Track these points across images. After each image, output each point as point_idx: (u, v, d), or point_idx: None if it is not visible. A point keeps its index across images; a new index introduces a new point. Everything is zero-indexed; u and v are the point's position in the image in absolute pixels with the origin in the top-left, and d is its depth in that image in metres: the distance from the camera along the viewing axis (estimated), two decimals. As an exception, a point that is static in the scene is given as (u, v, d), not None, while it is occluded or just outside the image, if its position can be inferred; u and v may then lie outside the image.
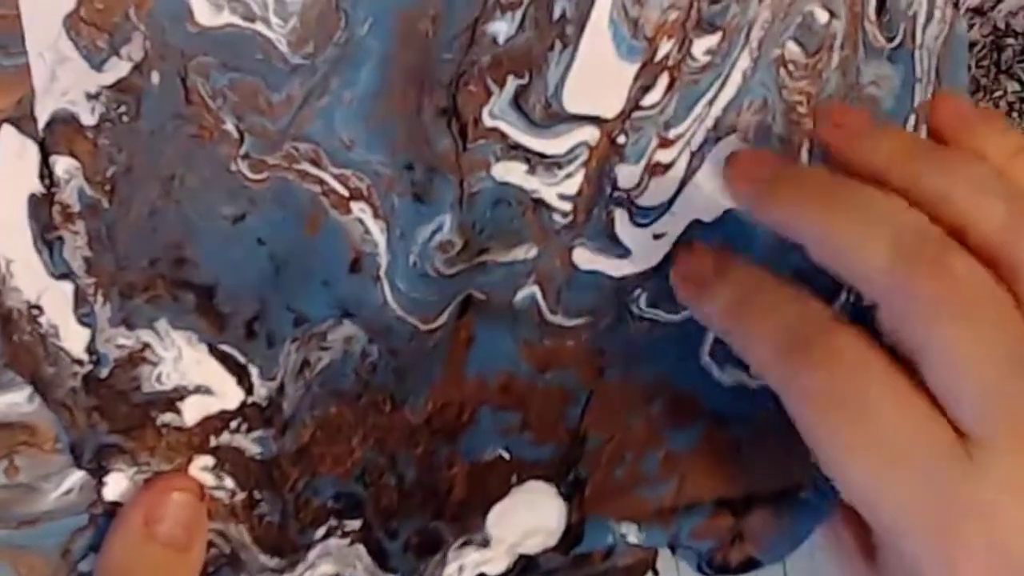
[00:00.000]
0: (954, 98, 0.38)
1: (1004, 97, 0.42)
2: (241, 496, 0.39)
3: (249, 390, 0.38)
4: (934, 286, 0.32)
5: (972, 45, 0.42)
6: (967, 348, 0.32)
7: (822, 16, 0.40)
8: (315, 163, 0.37)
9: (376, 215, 0.37)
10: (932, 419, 0.33)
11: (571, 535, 0.41)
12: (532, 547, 0.41)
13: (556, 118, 0.38)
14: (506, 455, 0.40)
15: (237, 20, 0.36)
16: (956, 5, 0.41)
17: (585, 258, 0.39)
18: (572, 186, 0.38)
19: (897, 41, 0.41)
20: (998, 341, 0.32)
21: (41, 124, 0.35)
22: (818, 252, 0.35)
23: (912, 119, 0.41)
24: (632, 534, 0.41)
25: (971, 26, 0.42)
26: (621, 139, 0.38)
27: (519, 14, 0.37)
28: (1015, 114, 0.43)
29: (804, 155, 0.40)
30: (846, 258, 0.34)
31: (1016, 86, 0.41)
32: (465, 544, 0.40)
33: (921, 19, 0.41)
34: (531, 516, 0.40)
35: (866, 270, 0.33)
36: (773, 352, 0.35)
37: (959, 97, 0.39)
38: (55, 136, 0.35)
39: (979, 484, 0.32)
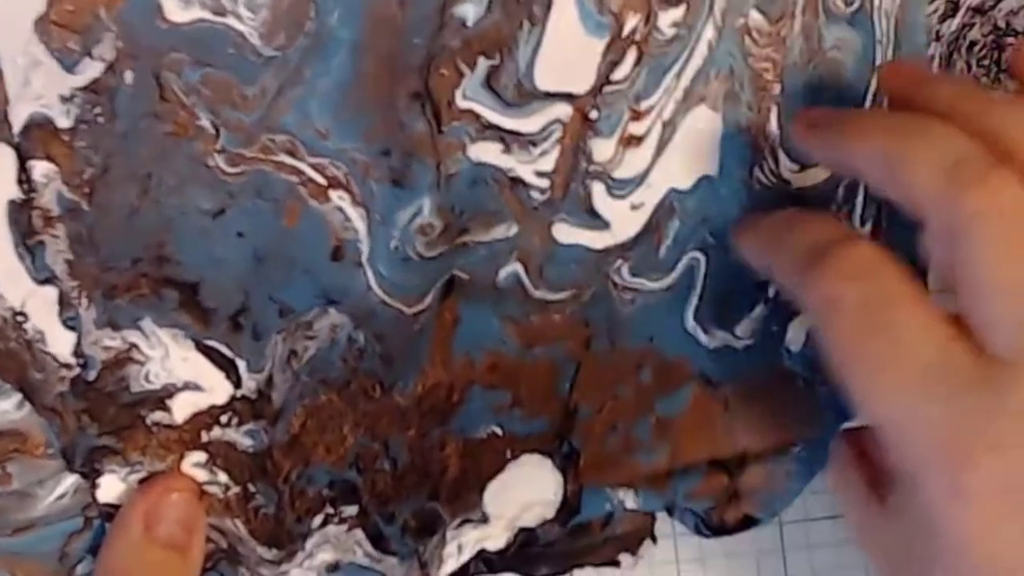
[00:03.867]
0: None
1: (1005, 96, 0.43)
2: (235, 490, 0.39)
3: (237, 384, 0.38)
4: (978, 201, 0.33)
5: (972, 45, 0.43)
6: (1005, 267, 0.32)
7: (782, -17, 0.41)
8: (291, 154, 0.37)
9: (355, 202, 0.38)
10: (957, 341, 0.33)
11: (569, 505, 0.41)
12: (530, 520, 0.41)
13: (528, 97, 0.38)
14: (499, 431, 0.40)
15: (207, 15, 0.36)
16: (956, 7, 0.41)
17: (565, 233, 0.40)
18: (548, 163, 0.39)
19: (856, 5, 0.41)
20: None
21: (16, 129, 0.35)
22: (873, 177, 0.36)
23: (874, 80, 0.42)
24: (630, 500, 0.42)
25: (971, 25, 0.43)
26: (594, 114, 0.39)
27: (486, -4, 0.37)
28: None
29: (773, 121, 0.40)
30: (897, 178, 0.34)
31: (1016, 85, 0.41)
32: (463, 523, 0.40)
33: (878, -18, 0.42)
34: (528, 490, 0.41)
35: (915, 187, 0.34)
36: (795, 267, 0.36)
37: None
38: (31, 141, 0.35)
39: (998, 412, 0.32)
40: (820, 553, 0.46)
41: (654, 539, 0.43)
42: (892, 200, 0.35)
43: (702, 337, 0.42)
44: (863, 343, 0.34)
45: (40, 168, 0.35)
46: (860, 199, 0.43)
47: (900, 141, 0.35)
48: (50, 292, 0.36)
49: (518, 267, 0.39)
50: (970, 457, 0.32)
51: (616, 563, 0.43)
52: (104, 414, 0.37)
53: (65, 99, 0.35)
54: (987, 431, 0.32)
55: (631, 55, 0.39)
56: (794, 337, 0.42)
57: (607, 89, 0.39)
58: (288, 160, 0.37)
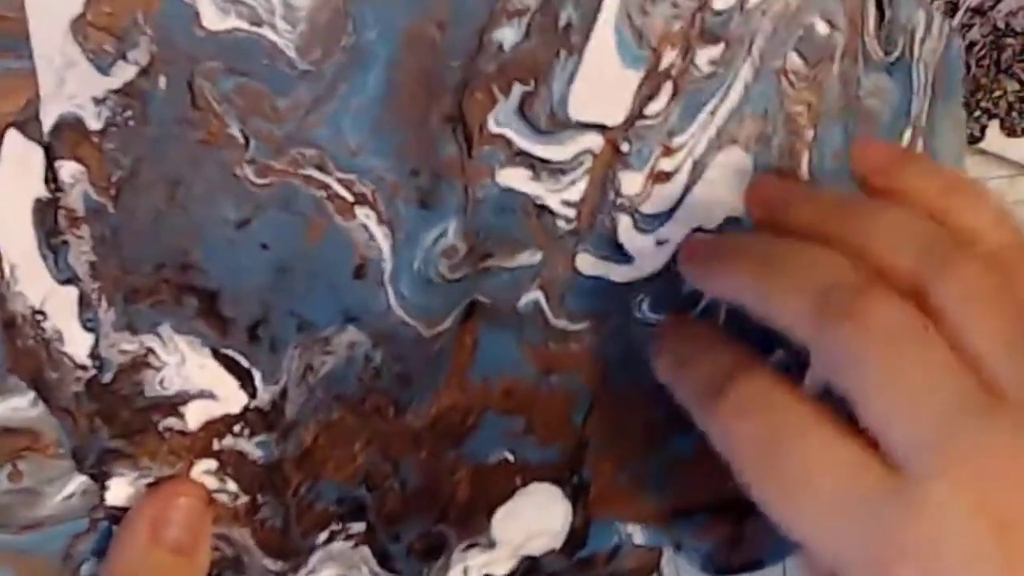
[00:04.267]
0: (876, 143, 0.40)
1: (1004, 97, 0.42)
2: (244, 500, 0.39)
3: (252, 394, 0.38)
4: (854, 332, 0.33)
5: (972, 45, 0.43)
6: (890, 391, 0.33)
7: (823, 28, 0.40)
8: (320, 168, 0.37)
9: (380, 220, 0.37)
10: (863, 459, 0.33)
11: (575, 537, 0.41)
12: (537, 549, 0.41)
13: (561, 125, 0.38)
14: (511, 458, 0.40)
15: (244, 24, 0.35)
16: (955, 8, 0.41)
17: (588, 264, 0.40)
18: (576, 192, 0.39)
19: (896, 55, 0.41)
20: (923, 378, 0.33)
21: (47, 128, 0.35)
22: (753, 311, 0.36)
23: (909, 132, 0.42)
24: (637, 534, 0.42)
25: (971, 26, 0.42)
26: (625, 147, 0.39)
27: (525, 22, 0.37)
28: (1015, 114, 0.44)
29: (804, 166, 0.40)
30: (774, 313, 0.35)
31: (1016, 86, 0.41)
32: (470, 547, 0.40)
33: (919, 34, 0.42)
34: (536, 518, 0.41)
35: (791, 323, 0.34)
36: (695, 400, 0.37)
37: (880, 143, 0.40)
38: (61, 140, 0.35)
39: (915, 523, 0.32)
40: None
41: (660, 575, 0.43)
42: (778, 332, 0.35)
43: (719, 378, 0.42)
44: (767, 477, 0.34)
45: (68, 168, 0.35)
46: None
47: (768, 273, 0.35)
48: (71, 292, 0.36)
49: (539, 295, 0.39)
50: (888, 569, 0.32)
51: (619, 597, 0.43)
52: (117, 417, 0.37)
53: (98, 101, 0.35)
54: (901, 542, 0.32)
55: (666, 90, 0.39)
56: (810, 384, 0.42)
57: (640, 123, 0.39)
58: (316, 174, 0.37)
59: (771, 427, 0.34)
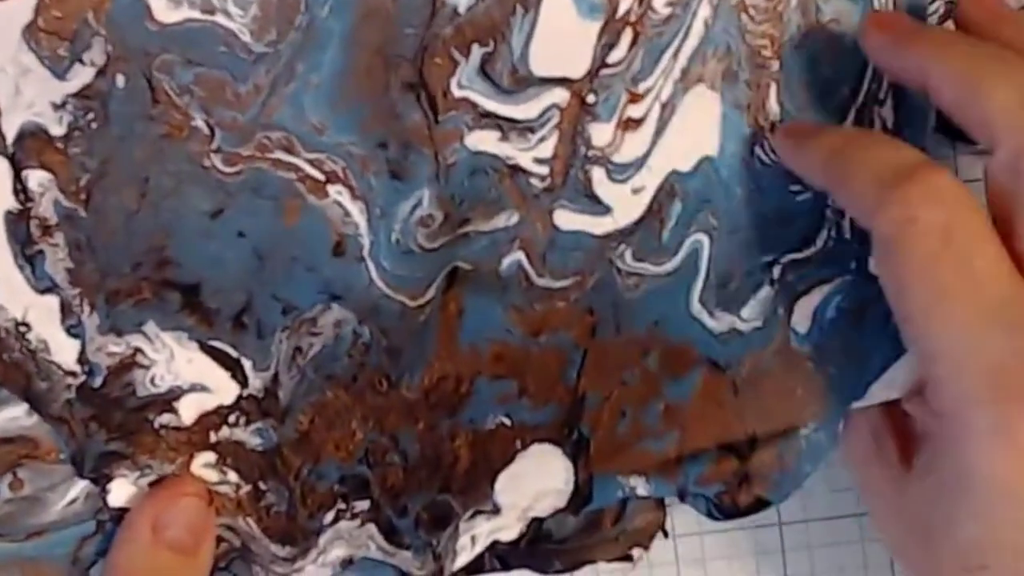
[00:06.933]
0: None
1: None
2: (246, 489, 0.39)
3: (244, 383, 0.38)
4: None
5: None
6: None
7: (778, -43, 0.40)
8: (288, 150, 0.37)
9: (354, 196, 0.37)
10: (1022, 280, 0.33)
11: (580, 494, 0.41)
12: (543, 510, 0.41)
13: (524, 83, 0.38)
14: (507, 422, 0.40)
15: (196, 14, 0.36)
16: (955, 5, 0.41)
17: (566, 219, 0.39)
18: (547, 149, 0.38)
19: (855, -25, 0.41)
20: None
21: (9, 140, 0.35)
22: (945, 97, 0.35)
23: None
24: (641, 486, 0.41)
25: None
26: (591, 98, 0.38)
27: (477, -18, 0.37)
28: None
29: (772, 98, 0.40)
30: (973, 101, 0.34)
31: None
32: (476, 514, 0.40)
33: (877, -48, 0.41)
34: (538, 479, 0.41)
35: (990, 111, 0.34)
36: (874, 186, 0.35)
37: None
38: (25, 150, 0.35)
39: None
40: (820, 553, 0.46)
41: (666, 533, 0.43)
42: (960, 122, 0.35)
43: (708, 321, 0.41)
44: (936, 268, 0.33)
45: (35, 177, 0.35)
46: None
47: (980, 65, 0.35)
48: (51, 301, 0.36)
49: (520, 255, 0.39)
50: (1020, 394, 0.32)
51: (629, 558, 0.43)
52: (111, 420, 0.37)
53: (57, 106, 0.35)
54: None
55: (626, 36, 0.38)
56: (800, 319, 0.42)
57: (603, 72, 0.38)
58: (285, 157, 0.37)
59: (957, 220, 0.33)
